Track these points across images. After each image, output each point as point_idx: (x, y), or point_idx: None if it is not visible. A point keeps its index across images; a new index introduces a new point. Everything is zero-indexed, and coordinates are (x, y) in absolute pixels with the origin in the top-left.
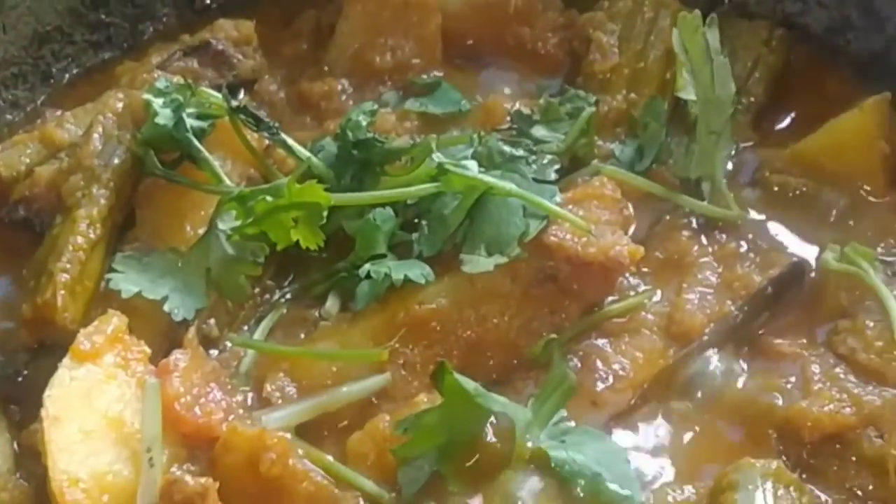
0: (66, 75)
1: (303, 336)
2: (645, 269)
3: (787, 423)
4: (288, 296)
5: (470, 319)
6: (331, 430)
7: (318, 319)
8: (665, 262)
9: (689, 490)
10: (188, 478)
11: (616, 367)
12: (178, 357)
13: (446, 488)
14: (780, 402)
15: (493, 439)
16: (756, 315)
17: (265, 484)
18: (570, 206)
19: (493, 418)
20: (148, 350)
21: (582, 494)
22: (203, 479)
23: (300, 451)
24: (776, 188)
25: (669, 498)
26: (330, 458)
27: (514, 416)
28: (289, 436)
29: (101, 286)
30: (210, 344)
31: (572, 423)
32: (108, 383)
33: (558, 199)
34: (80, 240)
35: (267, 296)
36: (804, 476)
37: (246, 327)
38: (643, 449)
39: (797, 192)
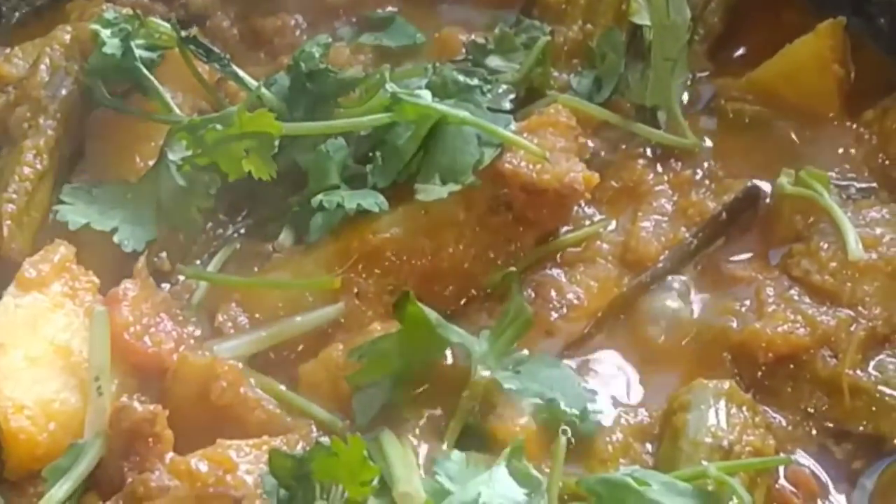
0: (16, 14)
1: (256, 270)
2: (600, 199)
3: (742, 345)
4: (241, 230)
5: (424, 248)
6: (283, 361)
7: (272, 253)
8: (620, 191)
9: (642, 412)
10: (136, 404)
11: (570, 296)
12: (128, 287)
13: (400, 414)
14: (734, 324)
15: (448, 369)
16: (711, 241)
17: (216, 413)
18: (525, 135)
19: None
20: (97, 280)
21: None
22: (152, 406)
23: (252, 380)
24: (731, 115)
25: (623, 420)
26: (282, 386)
27: (470, 348)
28: (240, 365)
29: (49, 218)
30: (162, 277)
31: (526, 352)
32: (54, 312)
33: (513, 127)
34: (26, 170)
35: (220, 230)
36: (758, 397)
37: (199, 262)
38: (597, 375)
39: (752, 119)
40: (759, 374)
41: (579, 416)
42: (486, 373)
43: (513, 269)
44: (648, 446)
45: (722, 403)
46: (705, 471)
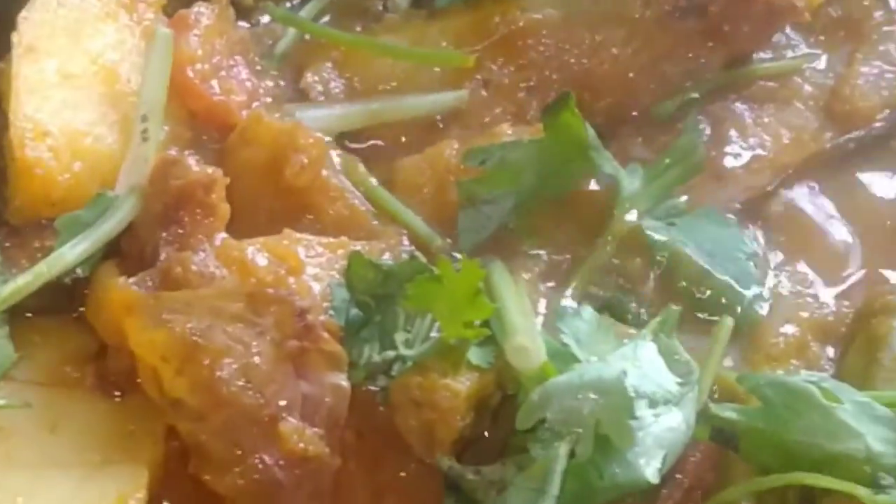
0: None
1: (359, 29)
2: (812, 27)
3: None
4: None
5: (583, 43)
6: (381, 150)
7: (383, 12)
8: (839, 23)
9: (829, 305)
10: (191, 161)
11: (754, 141)
12: (201, 11)
13: (515, 246)
14: None
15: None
16: None
17: (288, 196)
18: None
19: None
20: None
21: (685, 285)
22: (211, 169)
23: (339, 163)
24: None
25: (803, 313)
26: (374, 181)
27: (620, 182)
28: (327, 139)
29: None
30: (242, 15)
31: (685, 199)
32: (105, 22)
33: None
34: None
35: None
36: None
37: (288, 4)
38: (775, 246)
39: None
40: None
41: (746, 296)
42: (634, 216)
43: (695, 94)
44: (830, 350)
45: None
46: None
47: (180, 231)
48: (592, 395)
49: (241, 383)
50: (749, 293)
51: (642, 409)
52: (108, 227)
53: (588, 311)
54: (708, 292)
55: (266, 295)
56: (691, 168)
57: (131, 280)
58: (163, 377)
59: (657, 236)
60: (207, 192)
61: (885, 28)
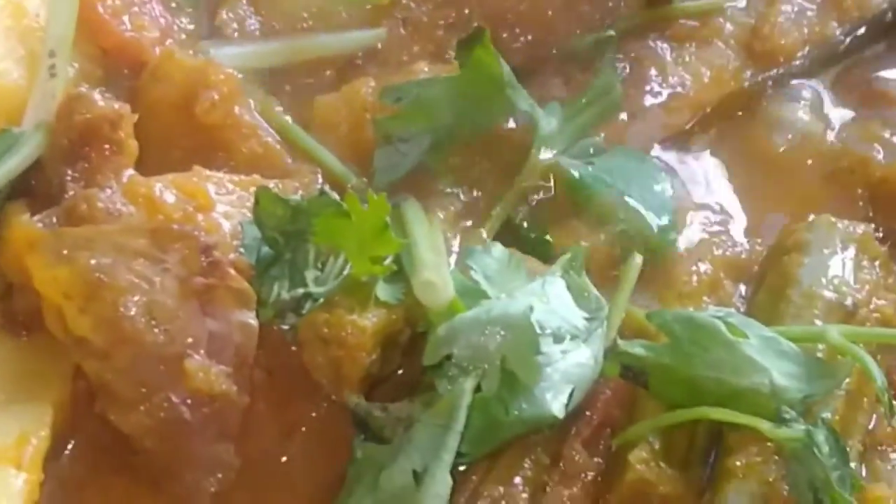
0: None
1: None
2: None
3: (885, 183)
4: None
5: None
6: (296, 88)
7: None
8: None
9: (741, 243)
10: (97, 96)
11: (674, 80)
12: None
13: (431, 185)
14: (880, 156)
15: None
16: (867, 45)
17: (199, 133)
18: None
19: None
20: None
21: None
22: (118, 104)
23: (251, 102)
24: None
25: (717, 250)
26: (289, 119)
27: (537, 121)
28: (239, 77)
29: None
30: None
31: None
32: None
33: None
34: None
35: None
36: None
37: None
38: (692, 186)
39: None
40: None
41: (661, 229)
42: (550, 154)
43: (610, 32)
44: (742, 288)
45: (851, 251)
46: (822, 333)
47: (87, 167)
48: (499, 331)
49: (144, 320)
50: (662, 222)
51: (549, 345)
52: (13, 164)
53: (498, 248)
54: (621, 226)
55: (171, 230)
56: (608, 107)
57: (36, 217)
58: (67, 315)
59: (574, 171)
60: (114, 128)
61: None
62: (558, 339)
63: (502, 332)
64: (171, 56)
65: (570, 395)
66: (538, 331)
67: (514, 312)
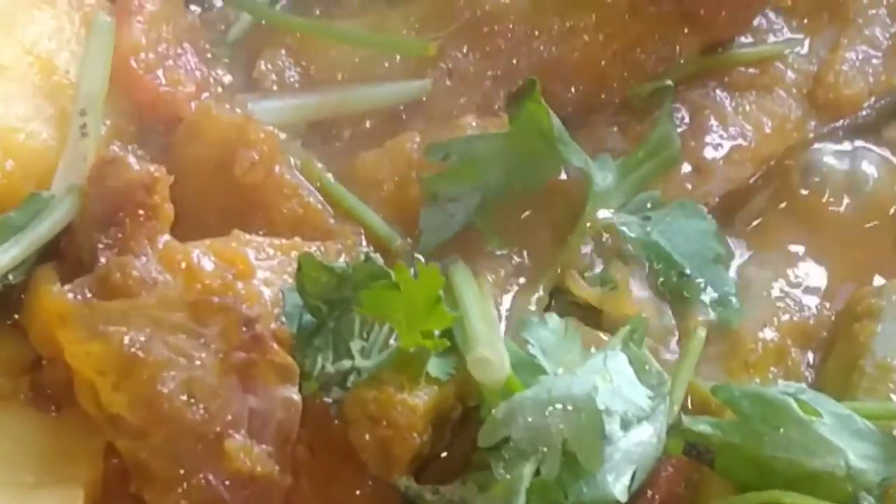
0: None
1: (318, 13)
2: (795, 9)
3: None
4: None
5: (552, 29)
6: (336, 144)
7: None
8: (823, 6)
9: (809, 307)
10: (132, 159)
11: (734, 130)
12: None
13: (480, 246)
14: None
15: (556, 199)
16: None
17: (238, 195)
18: None
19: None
20: None
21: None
22: (153, 167)
23: (293, 159)
24: None
25: (784, 316)
26: (331, 176)
27: (591, 176)
28: (281, 135)
29: None
30: None
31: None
32: (41, 8)
33: None
34: None
35: None
36: None
37: None
38: (755, 244)
39: None
40: None
41: (720, 299)
42: (607, 213)
43: (668, 81)
44: (811, 357)
45: None
46: None
47: (120, 234)
48: (561, 413)
49: (183, 398)
50: (723, 296)
51: (612, 425)
52: (43, 230)
53: (554, 319)
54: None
55: (210, 303)
56: (666, 160)
57: (67, 287)
58: (100, 392)
59: (630, 232)
60: (149, 193)
61: (871, 11)
62: (625, 423)
63: (564, 415)
64: (208, 112)
65: (633, 477)
66: (603, 412)
67: (578, 393)
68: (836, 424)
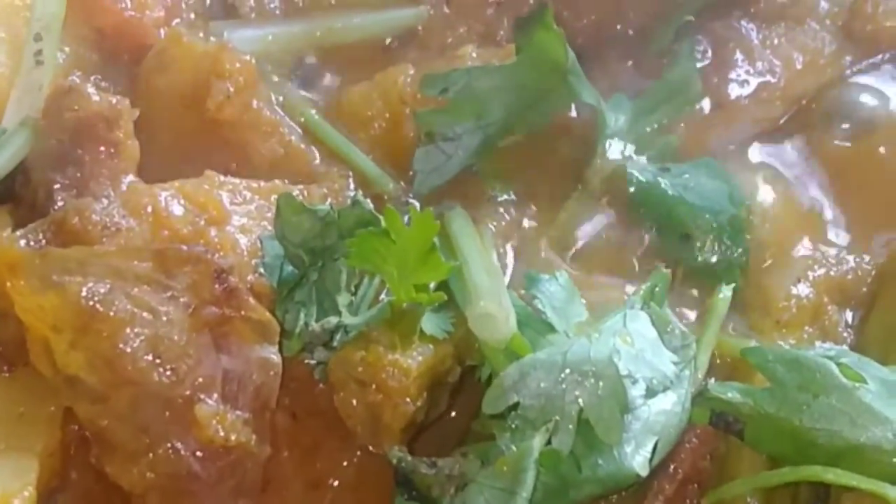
0: None
1: None
2: None
3: None
4: None
5: None
6: (323, 77)
7: None
8: None
9: (847, 261)
10: (92, 90)
11: (761, 66)
12: None
13: (480, 191)
14: None
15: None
16: None
17: (210, 130)
18: None
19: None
20: None
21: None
22: (115, 99)
23: (273, 94)
24: None
25: (818, 269)
26: (315, 113)
27: (603, 116)
28: (262, 67)
29: None
30: None
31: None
32: None
33: None
34: None
35: None
36: None
37: None
38: (785, 193)
39: None
40: None
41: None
42: (618, 155)
43: (689, 16)
44: (849, 315)
45: None
46: None
47: (79, 174)
48: (577, 378)
49: (148, 358)
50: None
51: (633, 393)
52: None
53: (563, 276)
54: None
55: (178, 252)
56: (685, 103)
57: (19, 233)
58: (55, 350)
59: (643, 177)
60: (111, 127)
61: None
62: (648, 391)
63: (580, 380)
64: (178, 39)
65: (654, 449)
66: (625, 380)
67: (598, 357)
68: (882, 391)
